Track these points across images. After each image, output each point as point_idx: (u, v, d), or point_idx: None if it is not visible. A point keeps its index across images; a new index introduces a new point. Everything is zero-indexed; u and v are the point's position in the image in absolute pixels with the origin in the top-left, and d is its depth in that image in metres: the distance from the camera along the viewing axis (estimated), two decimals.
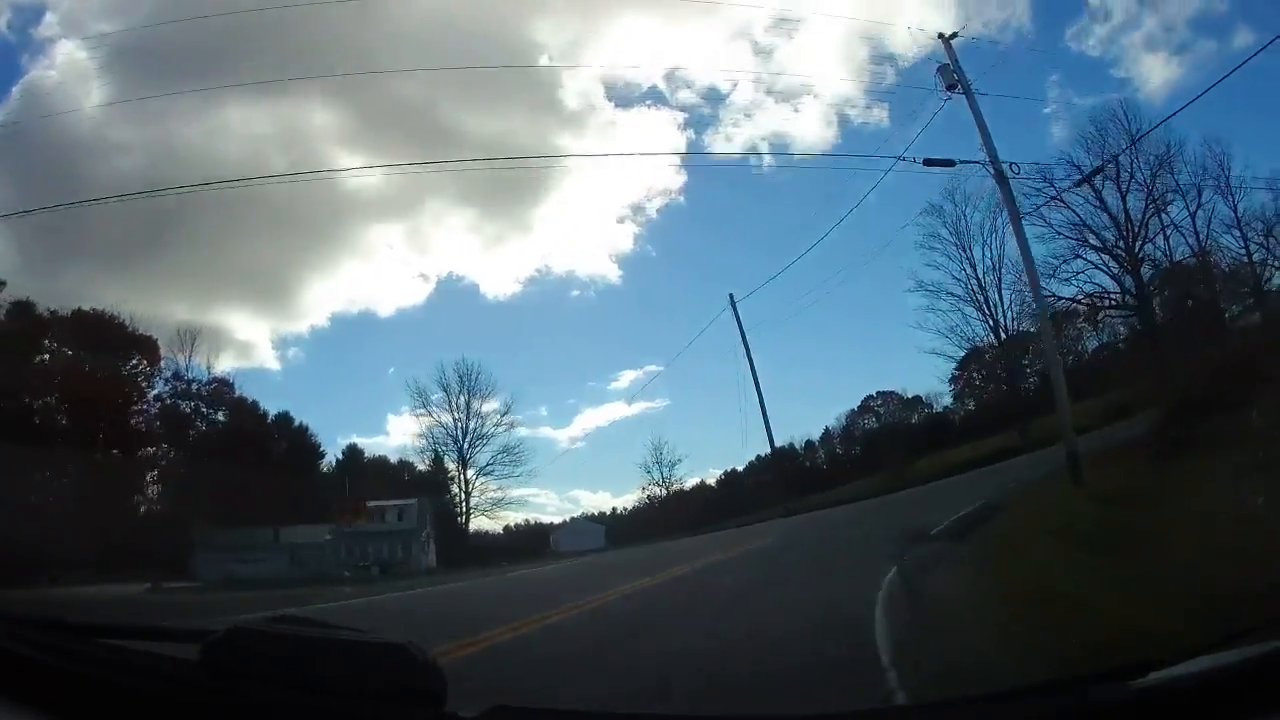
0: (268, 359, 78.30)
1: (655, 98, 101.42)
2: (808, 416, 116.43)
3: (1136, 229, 48.29)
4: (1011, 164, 21.35)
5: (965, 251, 51.99)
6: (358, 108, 71.42)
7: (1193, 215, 48.02)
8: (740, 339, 47.62)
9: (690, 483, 66.32)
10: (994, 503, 18.40)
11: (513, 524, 64.38)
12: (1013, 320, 52.67)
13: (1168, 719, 1.59)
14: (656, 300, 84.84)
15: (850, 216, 78.39)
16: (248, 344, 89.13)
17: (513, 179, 78.33)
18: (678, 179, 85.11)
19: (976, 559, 10.84)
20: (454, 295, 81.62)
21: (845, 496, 46.32)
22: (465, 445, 55.20)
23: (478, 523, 56.55)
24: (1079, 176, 36.24)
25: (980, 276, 52.09)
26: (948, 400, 64.24)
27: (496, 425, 55.06)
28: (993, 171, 20.96)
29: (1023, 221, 51.40)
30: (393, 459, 61.60)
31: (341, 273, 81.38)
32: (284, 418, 55.05)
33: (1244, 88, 60.70)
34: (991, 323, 52.47)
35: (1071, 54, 63.30)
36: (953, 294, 51.63)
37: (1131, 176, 47.18)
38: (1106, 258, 48.67)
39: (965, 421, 58.67)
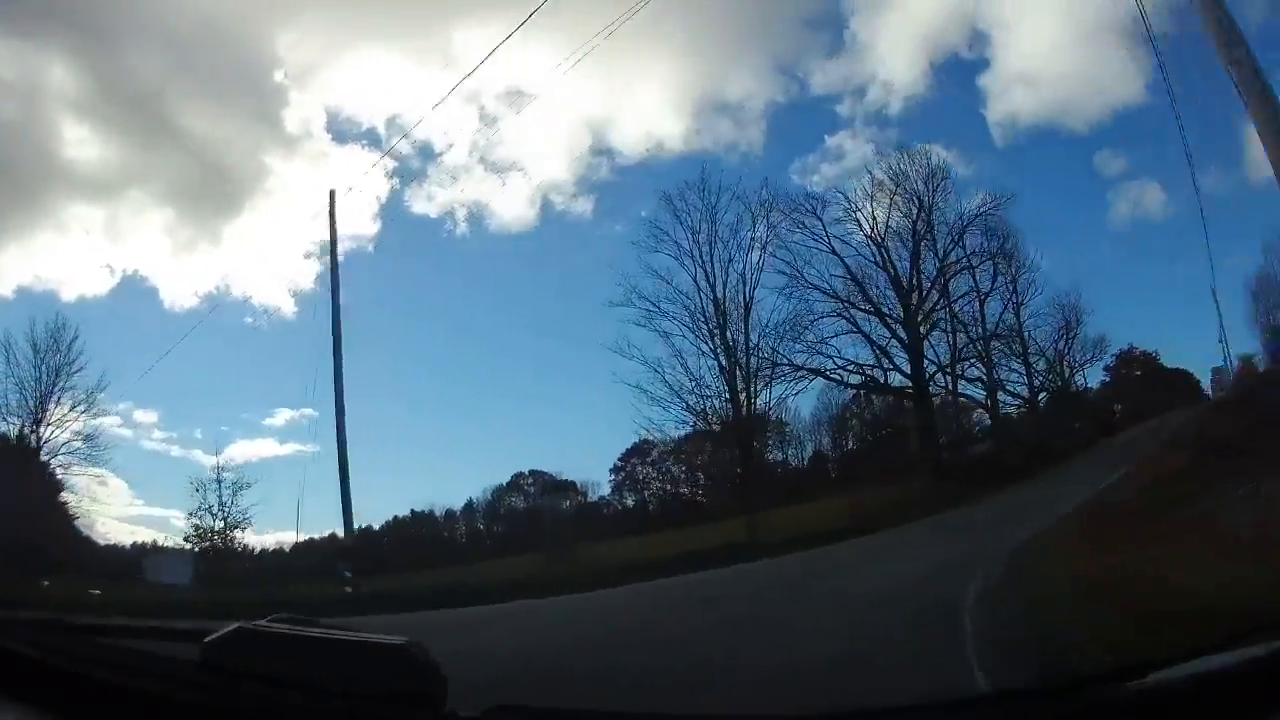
0: None
1: (373, 140, 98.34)
2: (452, 489, 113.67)
3: (924, 295, 39.98)
4: None
5: (704, 265, 38.23)
6: (96, 77, 69.42)
7: (982, 300, 41.34)
8: (330, 245, 30.31)
9: (325, 532, 58.99)
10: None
11: (140, 541, 58.36)
12: (755, 370, 38.37)
13: (1167, 719, 1.60)
14: (325, 344, 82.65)
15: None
16: None
17: (220, 182, 76.96)
18: (373, 226, 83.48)
19: None
20: (134, 295, 79.75)
21: (497, 578, 28.25)
22: (39, 413, 43.20)
23: (112, 536, 43.87)
24: None
25: (722, 300, 38.00)
26: (605, 490, 55.67)
27: (82, 405, 40.13)
28: None
29: (769, 264, 38.43)
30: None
31: (36, 245, 79.75)
32: None
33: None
34: (725, 363, 37.64)
35: (794, 185, 60.53)
36: (673, 317, 37.84)
37: (920, 238, 39.81)
38: (874, 320, 39.20)
39: (656, 508, 51.96)
